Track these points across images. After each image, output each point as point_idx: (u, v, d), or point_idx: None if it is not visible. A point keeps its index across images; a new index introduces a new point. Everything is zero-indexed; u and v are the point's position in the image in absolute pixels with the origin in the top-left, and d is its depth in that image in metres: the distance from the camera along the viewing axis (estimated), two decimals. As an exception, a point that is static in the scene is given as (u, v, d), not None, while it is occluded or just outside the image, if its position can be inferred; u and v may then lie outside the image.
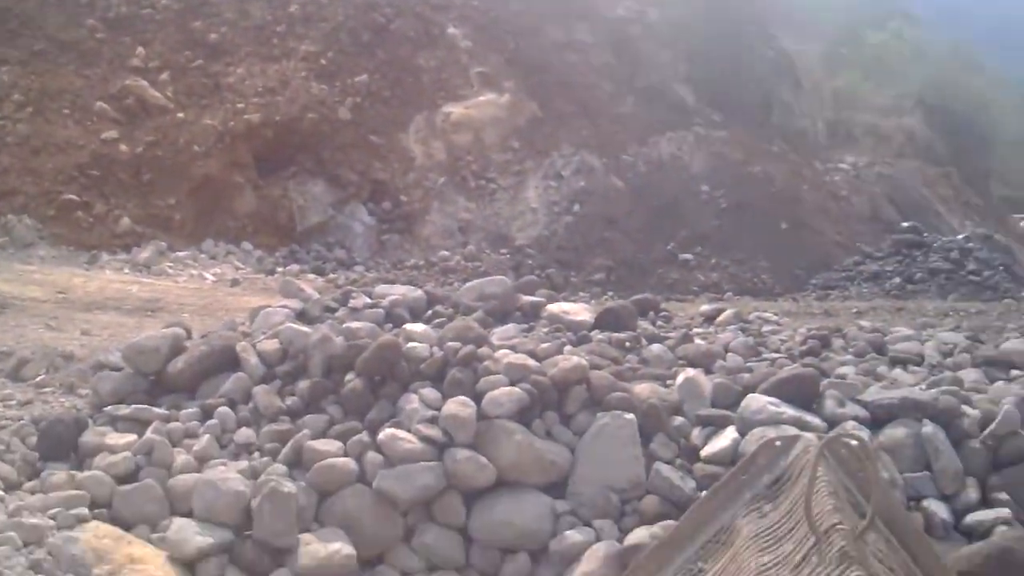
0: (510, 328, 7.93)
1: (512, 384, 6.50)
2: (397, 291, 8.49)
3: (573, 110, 18.83)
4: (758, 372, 7.28)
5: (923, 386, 7.19)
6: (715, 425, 6.67)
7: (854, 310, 12.05)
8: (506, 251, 15.76)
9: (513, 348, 7.07)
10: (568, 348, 7.42)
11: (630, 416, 6.48)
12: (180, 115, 15.71)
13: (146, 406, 6.60)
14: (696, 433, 6.68)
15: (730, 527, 4.19)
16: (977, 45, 44.29)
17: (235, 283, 13.23)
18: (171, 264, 13.71)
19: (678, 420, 6.76)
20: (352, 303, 8.14)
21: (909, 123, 27.14)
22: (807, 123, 23.65)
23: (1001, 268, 17.12)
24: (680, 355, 7.77)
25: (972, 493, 6.37)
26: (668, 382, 7.15)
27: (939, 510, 6.23)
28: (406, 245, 15.76)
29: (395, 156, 16.80)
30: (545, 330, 8.06)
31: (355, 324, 7.27)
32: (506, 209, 16.77)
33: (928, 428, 6.51)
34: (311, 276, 13.83)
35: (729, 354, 7.96)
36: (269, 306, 8.20)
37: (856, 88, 28.76)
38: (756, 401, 6.66)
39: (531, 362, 6.77)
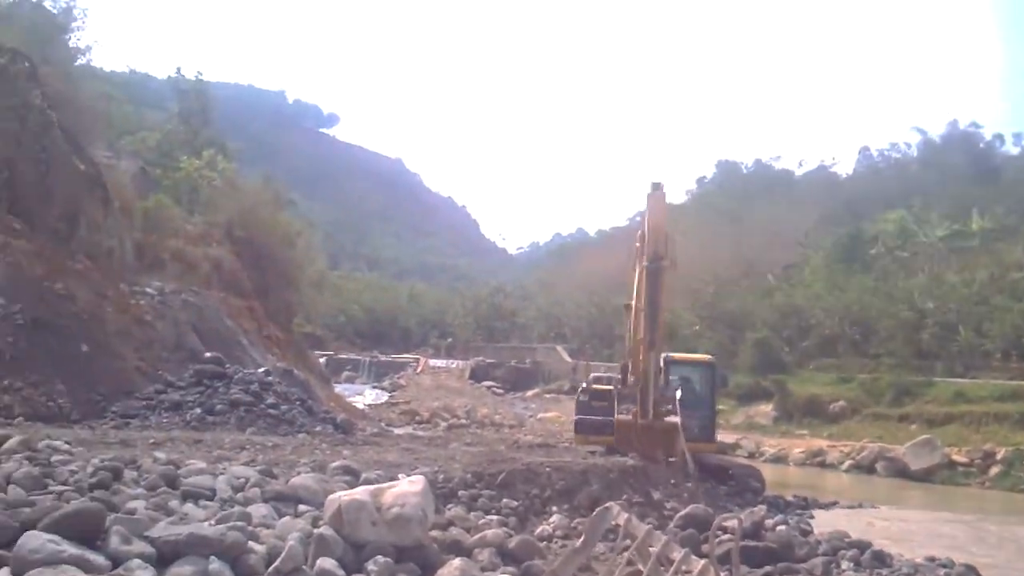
0: None
1: None
2: None
3: None
4: (41, 507, 6.80)
5: (212, 521, 7.29)
6: (-11, 569, 6.05)
7: (151, 440, 11.82)
8: None
9: None
10: None
11: None
12: None
13: None
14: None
15: None
16: (286, 182, 48.02)
17: None
18: None
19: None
20: None
21: (217, 253, 27.98)
22: (115, 242, 23.02)
23: (298, 403, 17.89)
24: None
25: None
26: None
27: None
28: None
29: None
30: None
31: None
32: None
33: (215, 565, 6.61)
34: None
35: (11, 486, 7.38)
36: None
37: (166, 212, 28.92)
38: (35, 539, 6.21)
39: None
